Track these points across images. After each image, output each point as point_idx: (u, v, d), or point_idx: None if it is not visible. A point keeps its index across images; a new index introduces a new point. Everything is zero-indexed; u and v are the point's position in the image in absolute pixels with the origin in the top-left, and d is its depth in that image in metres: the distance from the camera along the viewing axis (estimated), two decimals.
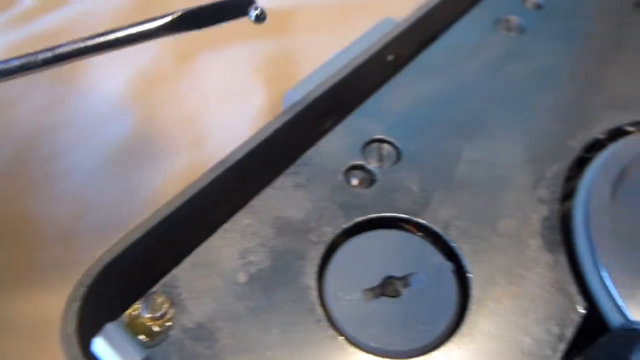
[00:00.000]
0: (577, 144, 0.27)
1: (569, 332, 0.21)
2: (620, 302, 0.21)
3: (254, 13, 0.22)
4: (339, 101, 0.28)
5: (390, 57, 0.32)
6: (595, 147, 0.27)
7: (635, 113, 0.28)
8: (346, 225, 0.23)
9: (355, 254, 0.23)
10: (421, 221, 0.23)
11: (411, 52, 0.32)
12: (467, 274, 0.22)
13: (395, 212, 0.24)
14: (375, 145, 0.26)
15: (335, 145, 0.26)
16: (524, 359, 0.20)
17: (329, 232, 0.23)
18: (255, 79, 0.41)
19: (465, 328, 0.21)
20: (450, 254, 0.23)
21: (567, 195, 0.25)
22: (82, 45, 0.21)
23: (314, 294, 0.21)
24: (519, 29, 0.33)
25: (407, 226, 0.24)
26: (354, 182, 0.25)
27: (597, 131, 0.28)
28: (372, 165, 0.25)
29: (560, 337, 0.21)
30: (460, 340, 0.21)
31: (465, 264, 0.22)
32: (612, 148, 0.27)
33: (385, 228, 0.23)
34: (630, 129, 0.28)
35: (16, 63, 0.22)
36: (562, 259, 0.23)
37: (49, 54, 0.22)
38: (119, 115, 0.39)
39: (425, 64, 0.30)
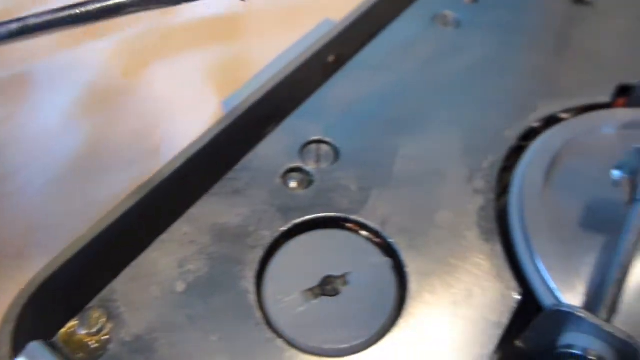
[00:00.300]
0: (512, 134, 0.27)
1: (505, 318, 0.21)
2: (552, 285, 0.22)
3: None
4: (280, 105, 0.28)
5: (331, 58, 0.32)
6: (530, 135, 0.28)
7: (568, 100, 0.29)
8: (284, 227, 0.23)
9: (294, 255, 0.23)
10: (359, 219, 0.24)
11: (352, 52, 0.32)
12: (405, 269, 0.22)
13: (333, 212, 0.24)
14: (313, 146, 0.26)
15: (273, 149, 0.26)
16: (461, 347, 0.21)
17: (268, 236, 0.23)
18: (206, 86, 0.41)
19: (402, 322, 0.21)
20: (388, 249, 0.23)
21: (503, 185, 0.26)
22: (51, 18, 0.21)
23: (252, 298, 0.21)
24: (456, 23, 0.33)
25: (346, 225, 0.24)
26: (293, 184, 0.25)
27: (532, 120, 0.28)
28: (310, 167, 0.25)
29: (497, 324, 0.21)
30: (398, 334, 0.21)
31: (403, 259, 0.23)
32: (544, 136, 0.27)
33: (324, 228, 0.24)
34: (564, 115, 0.29)
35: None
36: (498, 248, 0.23)
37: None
38: (69, 131, 0.39)
39: (363, 63, 0.30)
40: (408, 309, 0.21)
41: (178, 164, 0.25)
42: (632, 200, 0.22)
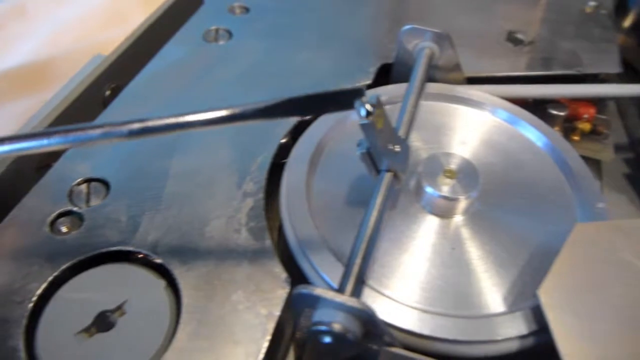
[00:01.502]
0: (281, 131, 0.29)
1: (277, 310, 0.22)
2: (320, 270, 0.23)
3: (364, 109, 0.20)
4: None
5: (107, 92, 0.32)
6: (299, 129, 0.29)
7: (335, 87, 0.31)
8: (52, 276, 0.23)
9: (66, 301, 0.22)
10: (130, 248, 0.24)
11: (128, 82, 0.32)
12: (178, 285, 0.23)
13: (105, 247, 0.24)
14: (82, 186, 0.26)
15: (40, 198, 0.25)
16: (236, 350, 0.21)
17: (35, 288, 0.23)
18: None
19: (178, 338, 0.21)
20: (162, 271, 0.23)
21: (274, 183, 0.27)
22: (173, 122, 0.21)
23: (21, 355, 0.21)
24: (227, 36, 0.34)
25: (118, 257, 0.24)
26: (63, 229, 0.25)
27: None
28: (79, 208, 0.25)
29: (269, 317, 0.22)
30: (175, 351, 0.21)
31: (176, 277, 0.23)
32: (311, 127, 0.29)
33: (96, 265, 0.23)
34: None
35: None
36: (268, 243, 0.24)
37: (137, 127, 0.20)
38: None
39: (134, 92, 0.31)
40: (182, 324, 0.22)
41: None
42: (378, 172, 0.24)
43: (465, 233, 0.25)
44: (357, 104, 0.21)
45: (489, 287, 0.23)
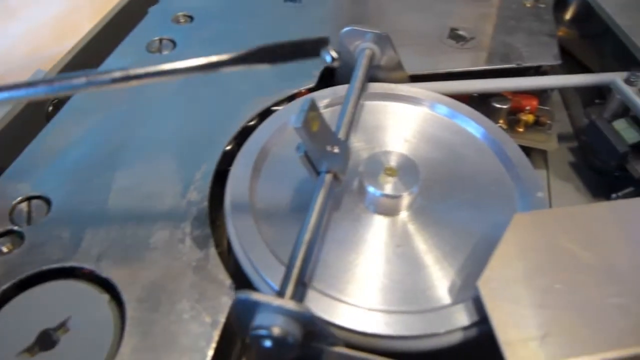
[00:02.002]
0: (224, 138, 0.29)
1: (222, 317, 0.22)
2: (264, 274, 0.23)
3: (328, 56, 0.22)
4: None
5: (50, 108, 0.32)
6: (245, 133, 0.29)
7: (279, 92, 0.31)
8: None
9: (7, 321, 0.22)
10: (72, 265, 0.24)
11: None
12: (123, 298, 0.23)
13: (46, 265, 0.24)
14: (23, 204, 0.26)
15: None
16: (182, 354, 0.21)
17: None
18: None
19: (122, 352, 0.21)
20: (106, 285, 0.23)
21: (218, 190, 0.27)
22: (153, 70, 0.22)
23: None
24: (171, 46, 0.34)
25: (60, 274, 0.24)
26: (4, 249, 0.24)
27: (247, 118, 0.30)
28: (20, 226, 0.25)
29: (214, 325, 0.22)
30: None
31: (120, 290, 0.23)
32: (255, 132, 0.29)
33: (38, 283, 0.23)
34: (275, 108, 0.31)
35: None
36: (213, 251, 0.24)
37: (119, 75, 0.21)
38: None
39: (76, 106, 0.30)
40: (125, 337, 0.22)
41: None
42: (318, 174, 0.24)
43: (411, 229, 0.25)
44: (322, 52, 0.23)
45: (434, 281, 0.24)
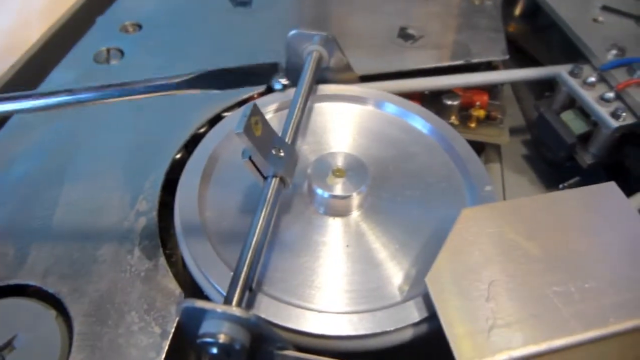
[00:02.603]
0: (175, 146, 0.28)
1: (172, 327, 0.22)
2: (213, 281, 0.23)
3: (278, 84, 0.22)
4: None
5: None
6: (196, 141, 0.29)
7: (228, 100, 0.31)
8: None
9: None
10: (17, 282, 0.23)
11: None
12: (70, 314, 0.22)
13: None
14: None
15: None
16: None
17: None
18: None
19: None
20: (53, 301, 0.23)
21: (167, 199, 0.27)
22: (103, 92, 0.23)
23: None
24: (119, 56, 0.34)
25: (5, 292, 0.23)
26: None
27: (197, 125, 0.30)
28: None
29: (163, 335, 0.22)
30: None
31: (67, 305, 0.23)
32: (204, 139, 0.29)
33: None
34: (225, 114, 0.31)
35: None
36: (162, 261, 0.24)
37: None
38: None
39: (20, 122, 0.30)
40: (73, 353, 0.21)
41: None
42: (264, 178, 0.24)
43: (363, 228, 0.26)
44: (273, 80, 0.22)
45: (385, 278, 0.24)
